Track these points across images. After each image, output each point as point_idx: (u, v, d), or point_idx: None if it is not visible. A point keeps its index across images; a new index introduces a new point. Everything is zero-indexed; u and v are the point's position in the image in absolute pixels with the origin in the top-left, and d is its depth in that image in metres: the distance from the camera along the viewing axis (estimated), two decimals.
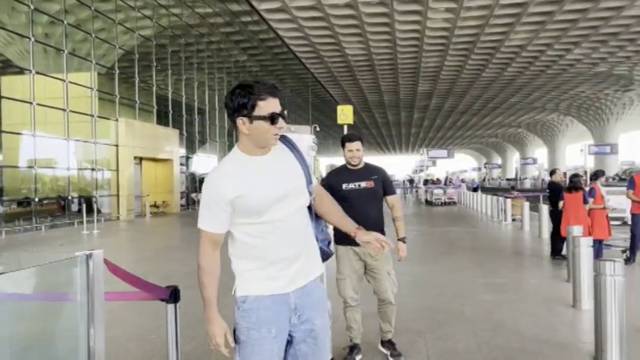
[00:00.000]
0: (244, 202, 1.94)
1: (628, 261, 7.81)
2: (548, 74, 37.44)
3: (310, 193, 2.13)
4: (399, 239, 3.87)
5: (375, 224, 3.72)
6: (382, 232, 3.80)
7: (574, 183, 8.19)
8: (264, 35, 29.46)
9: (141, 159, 22.10)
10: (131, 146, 20.18)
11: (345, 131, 15.68)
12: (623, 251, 8.27)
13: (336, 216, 2.33)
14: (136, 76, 21.90)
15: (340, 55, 31.75)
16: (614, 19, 25.09)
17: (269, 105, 1.99)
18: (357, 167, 3.84)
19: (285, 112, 2.06)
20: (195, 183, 28.01)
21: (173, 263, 9.14)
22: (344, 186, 3.74)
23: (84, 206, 15.53)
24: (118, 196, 19.66)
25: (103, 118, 19.35)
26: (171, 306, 2.31)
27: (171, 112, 24.99)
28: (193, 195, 26.45)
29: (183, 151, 26.40)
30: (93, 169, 19.14)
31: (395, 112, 55.79)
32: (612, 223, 8.50)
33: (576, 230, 6.31)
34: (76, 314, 1.90)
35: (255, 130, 1.98)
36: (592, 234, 7.46)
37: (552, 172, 9.95)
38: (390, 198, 3.95)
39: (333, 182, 3.79)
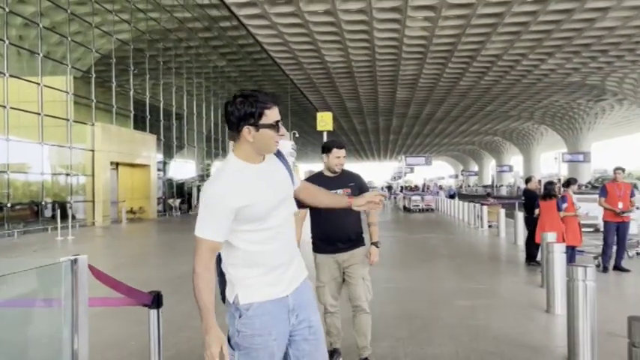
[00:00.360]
0: (250, 210, 1.97)
1: (599, 267, 8.00)
2: (524, 83, 38.18)
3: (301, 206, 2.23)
4: (372, 243, 3.85)
5: (353, 231, 3.77)
6: (360, 237, 3.82)
7: (549, 190, 8.37)
8: (243, 41, 29.43)
9: (117, 164, 21.82)
10: (107, 151, 19.91)
11: (325, 138, 15.76)
12: (595, 257, 8.47)
13: (326, 198, 2.52)
14: (113, 80, 21.65)
15: (319, 62, 31.88)
16: (586, 30, 25.74)
17: (273, 113, 2.04)
18: (334, 174, 3.82)
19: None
20: (172, 189, 27.75)
21: (151, 269, 9.03)
22: None
23: (58, 212, 15.23)
24: (93, 201, 19.36)
25: (79, 122, 19.06)
26: (153, 311, 2.30)
27: (148, 117, 24.75)
28: (170, 201, 26.18)
29: (160, 157, 26.15)
30: (68, 175, 18.81)
31: (373, 119, 56.19)
32: (585, 230, 8.71)
33: (550, 237, 6.45)
34: (61, 320, 1.88)
35: (261, 138, 2.02)
36: (565, 240, 7.63)
37: (528, 180, 10.14)
38: None
39: None
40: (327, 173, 3.85)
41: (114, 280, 2.11)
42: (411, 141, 76.73)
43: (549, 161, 58.23)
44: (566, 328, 3.93)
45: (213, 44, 30.43)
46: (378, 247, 3.86)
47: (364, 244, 3.84)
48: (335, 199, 2.56)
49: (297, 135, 29.51)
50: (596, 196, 8.91)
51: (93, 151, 19.36)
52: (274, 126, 2.04)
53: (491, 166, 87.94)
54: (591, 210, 8.51)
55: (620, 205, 7.94)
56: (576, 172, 50.03)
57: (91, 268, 1.90)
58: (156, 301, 2.28)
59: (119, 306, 2.24)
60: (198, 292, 1.94)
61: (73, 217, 17.93)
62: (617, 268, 7.99)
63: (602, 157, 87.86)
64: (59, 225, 14.41)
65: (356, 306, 3.77)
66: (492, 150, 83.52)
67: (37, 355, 2.07)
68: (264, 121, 2.01)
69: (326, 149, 3.81)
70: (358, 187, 3.80)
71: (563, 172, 47.59)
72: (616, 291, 7.01)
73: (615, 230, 7.99)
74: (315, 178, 3.89)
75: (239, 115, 2.00)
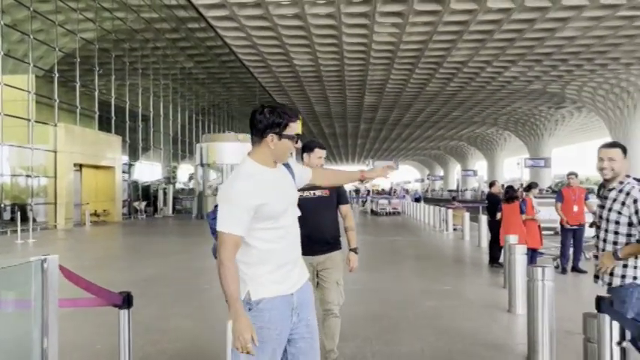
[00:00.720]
0: (266, 208, 2.14)
1: (557, 268, 8.30)
2: (488, 90, 39.11)
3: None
4: (350, 249, 3.83)
5: (330, 233, 3.75)
6: (337, 240, 3.81)
7: (510, 194, 8.64)
8: (211, 43, 29.20)
9: (81, 166, 21.31)
10: (71, 152, 19.44)
11: None
12: (554, 259, 8.77)
13: (342, 176, 2.84)
14: (77, 80, 21.16)
15: (288, 65, 31.91)
16: (547, 39, 26.58)
17: (296, 127, 2.27)
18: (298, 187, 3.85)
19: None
20: (137, 191, 27.25)
21: (116, 272, 8.88)
22: (300, 194, 3.70)
23: (18, 214, 14.78)
24: (55, 204, 18.85)
25: (41, 122, 18.55)
26: (124, 312, 2.30)
27: (114, 118, 24.28)
28: (136, 204, 25.72)
29: (125, 159, 25.67)
30: (29, 176, 18.27)
31: (342, 123, 56.53)
32: (545, 233, 9.01)
33: (512, 239, 6.66)
34: (30, 321, 1.86)
35: (281, 147, 2.24)
36: (526, 243, 7.89)
37: (491, 184, 10.43)
38: (343, 207, 3.91)
39: None
40: None
41: (85, 280, 2.10)
42: (379, 145, 77.50)
43: (512, 166, 59.78)
44: (527, 326, 4.08)
45: (180, 45, 30.09)
46: (356, 253, 3.85)
47: (340, 248, 3.82)
48: (348, 175, 2.81)
49: None
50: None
51: (55, 152, 18.86)
52: (294, 138, 2.26)
53: (456, 170, 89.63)
54: (550, 214, 8.84)
55: (575, 209, 8.27)
56: (537, 177, 51.45)
57: (61, 268, 1.90)
58: (126, 301, 2.28)
59: (89, 307, 2.23)
60: (226, 282, 2.07)
61: (34, 220, 17.42)
62: (575, 269, 8.30)
63: (562, 162, 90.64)
64: (19, 228, 13.98)
65: (327, 310, 3.72)
66: (457, 155, 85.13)
67: (5, 357, 2.04)
68: (287, 132, 2.22)
69: (308, 149, 3.79)
70: (336, 188, 3.78)
71: (526, 176, 48.91)
72: (574, 291, 7.29)
73: (572, 233, 8.31)
74: None
75: (267, 124, 2.20)
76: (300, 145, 2.32)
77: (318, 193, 3.67)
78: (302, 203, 3.57)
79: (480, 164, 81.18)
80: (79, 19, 21.54)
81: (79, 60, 21.31)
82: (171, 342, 4.68)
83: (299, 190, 3.74)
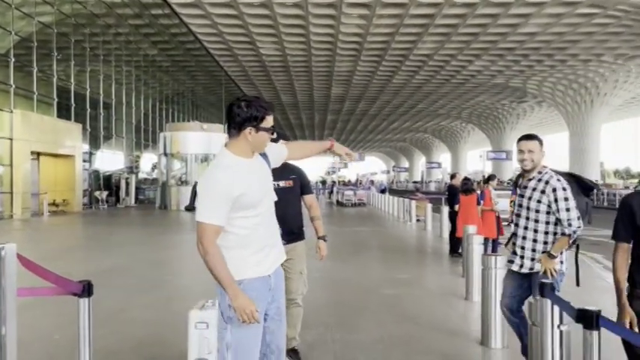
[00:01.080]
0: (245, 198, 2.25)
1: None
2: (452, 83, 39.78)
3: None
4: (319, 238, 3.86)
5: (295, 224, 3.77)
6: (301, 231, 3.84)
7: (467, 186, 8.86)
8: (175, 30, 28.64)
9: (38, 154, 20.66)
10: (28, 140, 18.81)
11: None
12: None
13: (308, 146, 3.03)
14: (34, 65, 20.45)
15: (254, 54, 31.64)
16: (510, 35, 27.20)
17: (271, 119, 2.38)
18: (277, 166, 3.85)
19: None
20: (99, 181, 26.63)
21: (75, 263, 8.70)
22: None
23: None
24: (12, 193, 18.25)
25: None
26: (84, 300, 2.29)
27: (73, 105, 23.59)
28: (97, 193, 25.13)
29: (86, 147, 25.02)
30: None
31: (309, 114, 56.50)
32: (505, 223, 9.31)
33: (471, 229, 6.85)
34: None
35: (258, 139, 2.34)
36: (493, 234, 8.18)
37: (452, 176, 10.66)
38: (307, 197, 3.93)
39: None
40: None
41: (43, 269, 2.08)
42: (345, 137, 77.84)
43: (475, 159, 61.07)
44: (480, 312, 4.23)
45: (144, 32, 29.40)
46: (325, 240, 3.87)
47: (304, 238, 3.86)
48: (319, 145, 3.00)
49: None
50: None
51: (11, 139, 18.21)
52: (270, 130, 2.38)
53: (421, 162, 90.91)
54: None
55: None
56: (499, 169, 52.73)
57: (19, 257, 1.87)
58: (87, 290, 2.27)
59: (48, 296, 2.21)
60: (216, 268, 2.20)
61: None
62: None
63: None
64: None
65: (290, 299, 3.69)
66: (422, 147, 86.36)
67: None
68: (264, 124, 2.32)
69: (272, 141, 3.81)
70: (300, 179, 3.83)
71: (488, 169, 50.04)
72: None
73: None
74: None
75: (245, 117, 2.29)
76: (275, 136, 2.43)
77: (282, 184, 3.64)
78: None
79: (444, 156, 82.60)
80: (36, 2, 20.78)
81: (36, 44, 20.59)
82: (133, 332, 4.65)
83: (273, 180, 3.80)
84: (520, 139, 3.45)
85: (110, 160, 29.24)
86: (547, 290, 2.28)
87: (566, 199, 3.24)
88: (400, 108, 52.30)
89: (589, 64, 33.37)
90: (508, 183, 38.66)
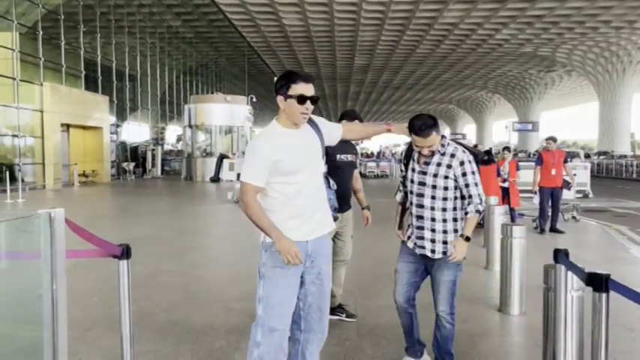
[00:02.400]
0: (281, 165, 2.43)
1: (537, 229, 8.62)
2: (478, 53, 38.89)
3: (324, 165, 2.71)
4: (364, 207, 4.27)
5: (350, 194, 4.16)
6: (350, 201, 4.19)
7: (489, 157, 8.89)
8: (199, 1, 28.59)
9: (68, 126, 21.15)
10: (57, 112, 19.25)
11: None
12: (534, 220, 9.08)
13: (365, 129, 3.15)
14: (62, 38, 20.75)
15: (277, 24, 31.41)
16: (539, 2, 26.38)
17: (300, 88, 2.45)
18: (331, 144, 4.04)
19: (318, 96, 2.56)
20: (126, 152, 27.17)
21: (107, 232, 9.03)
22: (338, 157, 3.91)
23: (7, 174, 14.77)
24: (43, 164, 18.81)
25: (26, 81, 18.29)
26: (123, 262, 2.47)
27: (100, 77, 23.94)
28: (124, 164, 25.68)
29: (113, 119, 25.47)
30: (15, 136, 18.14)
31: (331, 84, 56.07)
32: (523, 195, 9.38)
33: (492, 200, 6.89)
34: (40, 271, 2.02)
35: (289, 107, 2.47)
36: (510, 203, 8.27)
37: (475, 146, 10.69)
38: (355, 171, 4.26)
39: (330, 150, 3.58)
40: None
41: (87, 232, 2.25)
42: (369, 108, 77.23)
43: (501, 129, 60.14)
44: (499, 280, 4.33)
45: (167, 3, 29.43)
46: (369, 209, 4.27)
47: (351, 207, 4.20)
48: (376, 128, 3.11)
49: (254, 99, 29.32)
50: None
51: (42, 111, 18.68)
52: (297, 98, 2.44)
53: (445, 133, 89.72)
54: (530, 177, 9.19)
55: (553, 172, 8.54)
56: (525, 141, 51.88)
57: (66, 221, 2.04)
58: (125, 252, 2.45)
59: (91, 258, 2.39)
60: (257, 218, 2.42)
61: (22, 180, 17.43)
62: (553, 230, 8.61)
63: (550, 126, 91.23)
64: (8, 187, 14.02)
65: (342, 260, 4.14)
66: (447, 118, 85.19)
67: (20, 303, 2.20)
68: (290, 92, 2.45)
69: (349, 117, 4.11)
70: (357, 154, 4.27)
71: (514, 140, 49.26)
72: (549, 250, 7.58)
73: (549, 195, 8.59)
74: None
75: (277, 87, 2.49)
76: (308, 106, 2.47)
77: (349, 157, 4.01)
78: (339, 165, 3.87)
79: (469, 127, 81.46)
80: None
81: (63, 17, 20.83)
82: (163, 296, 4.89)
83: (338, 153, 3.93)
84: (415, 135, 2.93)
85: (136, 131, 29.77)
86: (561, 256, 2.37)
87: (473, 173, 2.95)
88: (424, 78, 51.49)
89: (621, 31, 32.22)
90: (534, 155, 38.11)
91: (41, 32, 19.48)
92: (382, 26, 31.24)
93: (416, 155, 3.05)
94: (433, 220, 3.00)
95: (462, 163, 2.93)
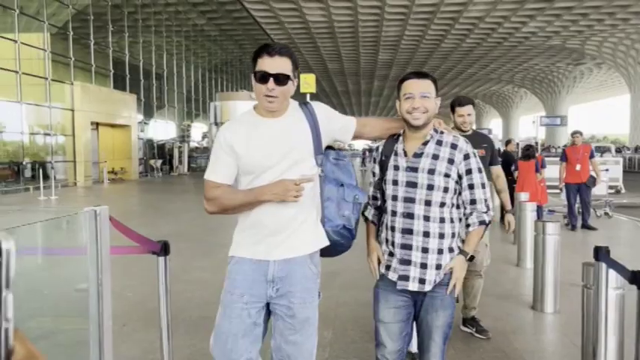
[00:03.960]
0: (243, 160, 1.96)
1: (567, 226, 8.48)
2: (505, 46, 38.28)
3: (318, 165, 2.04)
4: (506, 211, 3.79)
5: None
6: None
7: (529, 152, 8.76)
8: None
9: (97, 124, 21.60)
10: (87, 111, 19.68)
11: (309, 99, 15.81)
12: (564, 217, 8.93)
13: (386, 125, 2.35)
14: (92, 38, 21.17)
15: (301, 21, 31.44)
16: None
17: (262, 63, 1.90)
18: (466, 134, 3.50)
19: (292, 75, 1.95)
20: (153, 149, 27.61)
21: (138, 228, 9.20)
22: None
23: (40, 172, 15.19)
24: (74, 161, 19.25)
25: (57, 81, 18.72)
26: (161, 258, 2.52)
27: (128, 76, 24.35)
28: (152, 162, 26.11)
29: (140, 117, 25.91)
30: (48, 134, 18.61)
31: (355, 80, 55.92)
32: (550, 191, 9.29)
33: (523, 196, 6.80)
34: (87, 266, 2.09)
35: (254, 89, 1.95)
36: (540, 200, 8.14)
37: (507, 142, 10.58)
38: (494, 168, 3.74)
39: None
40: (459, 133, 3.48)
41: (128, 229, 2.31)
42: (392, 103, 76.75)
43: (528, 124, 59.09)
44: (533, 277, 4.28)
45: (192, 1, 29.73)
46: (513, 214, 3.76)
47: None
48: (395, 122, 2.33)
49: None
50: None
51: (73, 110, 19.11)
52: (256, 76, 1.91)
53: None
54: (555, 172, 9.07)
55: (578, 168, 8.39)
56: (554, 135, 50.93)
57: (110, 218, 2.11)
58: (164, 249, 2.50)
59: (131, 254, 2.45)
60: (229, 201, 1.98)
61: (54, 177, 17.90)
62: (585, 226, 8.46)
63: (580, 120, 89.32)
64: (42, 185, 14.40)
65: (472, 270, 3.54)
66: None
67: (58, 301, 2.29)
68: (255, 70, 1.92)
69: (450, 108, 3.70)
70: (491, 149, 3.62)
71: (541, 135, 48.39)
72: (581, 247, 7.45)
73: (576, 191, 8.45)
74: None
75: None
76: (271, 86, 1.88)
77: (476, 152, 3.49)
78: None
79: (495, 122, 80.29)
80: None
81: (92, 17, 21.24)
82: (195, 291, 4.98)
83: None
84: (406, 80, 2.25)
85: (163, 129, 30.18)
86: (602, 254, 2.33)
87: (480, 171, 2.17)
88: (449, 73, 50.93)
89: None
90: (558, 148, 37.45)
91: (72, 33, 19.89)
92: (406, 21, 31.00)
93: (401, 147, 2.22)
94: (426, 235, 2.12)
95: (466, 157, 2.15)
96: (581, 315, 2.70)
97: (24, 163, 17.36)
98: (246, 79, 47.24)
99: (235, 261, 2.04)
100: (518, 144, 19.72)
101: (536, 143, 34.05)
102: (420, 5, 27.82)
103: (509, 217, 3.70)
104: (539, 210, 8.37)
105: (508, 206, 3.71)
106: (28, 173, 17.56)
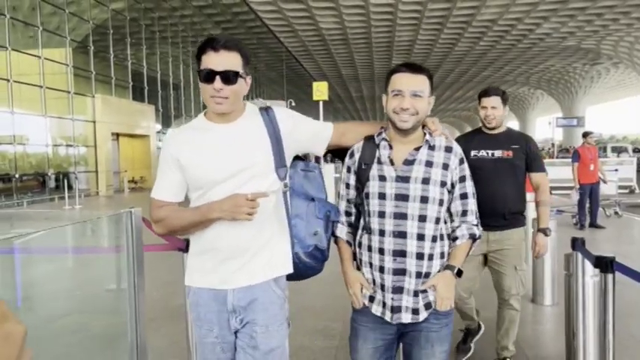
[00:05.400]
0: (189, 173, 1.75)
1: (576, 225, 8.65)
2: (519, 48, 38.20)
3: (282, 178, 1.80)
4: (539, 229, 3.10)
5: (506, 205, 2.97)
6: (518, 216, 3.10)
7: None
8: (237, 9, 29.35)
9: (117, 135, 22.20)
10: (108, 122, 20.29)
11: (321, 107, 16.12)
12: (573, 216, 9.10)
13: (362, 127, 2.08)
14: (111, 51, 21.80)
15: (314, 29, 31.84)
16: None
17: (207, 60, 1.68)
18: (494, 131, 3.08)
19: (243, 71, 1.72)
20: None
21: None
22: (472, 153, 2.96)
23: (65, 182, 15.78)
24: (96, 172, 19.84)
25: (80, 94, 19.35)
26: (186, 255, 2.83)
27: (146, 87, 24.97)
28: None
29: (159, 127, 26.50)
30: (71, 146, 19.24)
31: (369, 85, 56.18)
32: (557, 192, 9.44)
33: (529, 196, 6.99)
34: (123, 263, 2.39)
35: (202, 91, 1.73)
36: None
37: None
38: (534, 176, 3.10)
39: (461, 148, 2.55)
40: (485, 130, 3.14)
41: None
42: None
43: (544, 126, 58.64)
44: (532, 273, 4.52)
45: (207, 12, 30.36)
46: (547, 234, 3.08)
47: (523, 225, 3.13)
48: (372, 126, 2.06)
49: (293, 104, 29.82)
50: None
51: (94, 122, 19.73)
52: (201, 75, 1.68)
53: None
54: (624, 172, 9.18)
55: (592, 168, 8.54)
56: (571, 137, 50.46)
57: (143, 219, 2.42)
58: (187, 245, 2.81)
59: (160, 251, 2.73)
60: (174, 220, 1.77)
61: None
62: (593, 225, 8.61)
63: (598, 120, 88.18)
64: (66, 195, 14.94)
65: (502, 299, 3.14)
66: None
67: (89, 299, 2.61)
68: (200, 69, 1.70)
69: (477, 98, 3.19)
70: (525, 150, 3.03)
71: (558, 136, 48.00)
72: (590, 245, 7.62)
73: (589, 191, 8.61)
74: (470, 135, 3.27)
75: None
76: (219, 85, 1.65)
77: (497, 153, 2.97)
78: (475, 164, 2.48)
79: (511, 124, 79.67)
80: None
81: (111, 31, 21.88)
82: None
83: (473, 149, 2.92)
84: (395, 71, 1.95)
85: None
86: (577, 244, 2.58)
87: (471, 178, 1.95)
88: (464, 76, 50.90)
89: None
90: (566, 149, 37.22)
91: (92, 47, 20.53)
92: (419, 25, 31.21)
93: (385, 153, 1.89)
94: (420, 257, 1.83)
95: (461, 161, 1.92)
96: (565, 302, 2.95)
97: (49, 174, 17.98)
98: (260, 86, 47.81)
99: (193, 292, 1.82)
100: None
101: (553, 145, 34.16)
102: (432, 9, 28.01)
103: (540, 239, 3.05)
104: None
105: (544, 223, 3.03)
106: (52, 184, 18.17)
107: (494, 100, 3.06)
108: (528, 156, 3.03)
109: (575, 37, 35.12)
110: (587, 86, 50.74)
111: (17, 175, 16.26)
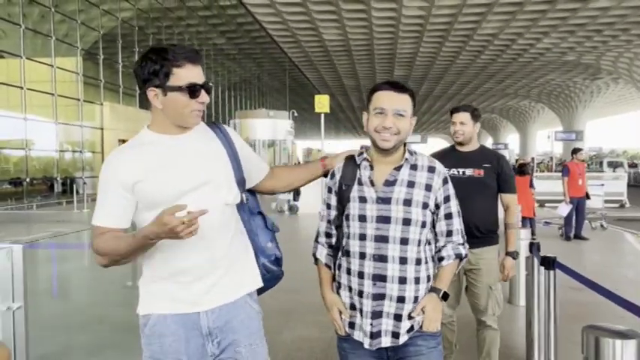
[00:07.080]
0: (144, 188, 1.59)
1: (562, 236, 9.11)
2: (520, 62, 38.72)
3: (241, 191, 1.77)
4: (507, 253, 3.05)
5: (479, 224, 2.97)
6: (491, 235, 3.08)
7: (522, 168, 9.41)
8: (242, 19, 29.95)
9: (124, 141, 22.60)
10: (115, 129, 20.81)
11: (322, 119, 16.59)
12: (559, 228, 9.55)
13: (299, 174, 2.07)
14: (120, 60, 22.34)
15: (317, 39, 32.39)
16: (581, 10, 26.28)
17: (188, 73, 1.60)
18: (467, 149, 3.11)
19: (211, 84, 1.71)
20: None
21: None
22: (451, 171, 2.94)
23: (74, 187, 16.29)
24: None
25: (89, 102, 19.90)
26: None
27: None
28: None
29: None
30: (80, 152, 19.75)
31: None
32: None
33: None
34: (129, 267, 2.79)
35: (171, 104, 1.61)
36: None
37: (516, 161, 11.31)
38: (505, 197, 3.09)
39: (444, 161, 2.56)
40: (458, 147, 3.17)
41: None
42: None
43: (545, 139, 59.09)
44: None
45: (212, 22, 30.96)
46: (515, 258, 3.03)
47: (497, 243, 3.11)
48: (307, 170, 2.06)
49: (295, 114, 30.36)
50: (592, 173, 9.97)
51: (102, 129, 20.27)
52: (187, 89, 1.59)
53: (488, 143, 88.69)
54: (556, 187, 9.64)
55: (580, 182, 9.00)
56: (570, 150, 50.72)
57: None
58: None
59: None
60: (116, 250, 1.58)
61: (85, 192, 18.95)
62: (577, 236, 9.05)
63: (598, 135, 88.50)
64: (75, 199, 15.42)
65: (479, 319, 3.11)
66: (489, 128, 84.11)
67: (109, 294, 2.99)
68: (172, 82, 1.58)
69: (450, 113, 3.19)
70: (497, 170, 3.02)
71: (557, 150, 48.36)
72: (572, 254, 8.04)
73: (575, 204, 9.05)
74: (444, 153, 3.26)
75: (143, 75, 1.61)
76: (205, 98, 1.64)
77: (468, 172, 3.00)
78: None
79: (512, 137, 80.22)
80: None
81: (120, 41, 22.44)
82: None
83: (448, 167, 2.61)
84: (377, 89, 1.90)
85: None
86: (534, 249, 3.02)
87: (455, 197, 1.92)
88: (465, 88, 51.46)
89: None
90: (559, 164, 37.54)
91: (102, 56, 21.09)
92: (421, 38, 31.74)
93: (366, 174, 1.86)
94: (402, 281, 1.79)
95: (445, 181, 1.88)
96: (526, 297, 3.38)
97: (57, 178, 18.46)
98: (263, 96, 48.41)
99: (154, 322, 1.64)
100: (533, 158, 20.30)
101: (551, 158, 34.57)
102: (434, 23, 28.54)
103: (508, 262, 3.01)
104: (531, 221, 9.02)
105: (511, 247, 2.99)
106: (60, 188, 18.65)
107: (462, 116, 3.07)
108: (500, 176, 3.03)
109: (575, 52, 35.64)
110: (587, 100, 51.23)
111: (28, 179, 16.74)
